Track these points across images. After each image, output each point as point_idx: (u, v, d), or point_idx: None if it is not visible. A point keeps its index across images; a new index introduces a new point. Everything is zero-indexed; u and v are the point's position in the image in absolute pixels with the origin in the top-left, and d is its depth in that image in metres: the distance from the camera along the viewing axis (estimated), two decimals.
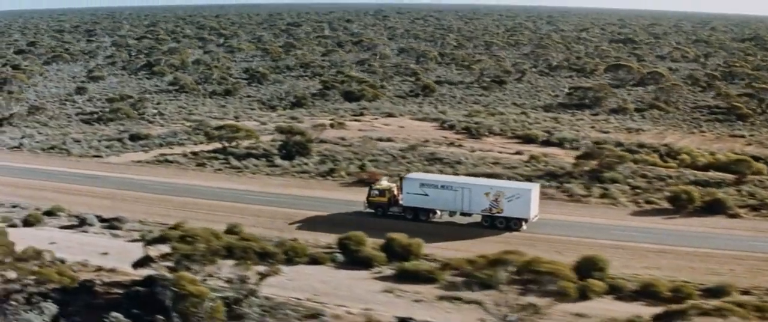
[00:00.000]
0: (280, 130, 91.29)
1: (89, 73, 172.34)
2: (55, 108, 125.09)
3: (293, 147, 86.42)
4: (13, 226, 61.79)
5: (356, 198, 68.99)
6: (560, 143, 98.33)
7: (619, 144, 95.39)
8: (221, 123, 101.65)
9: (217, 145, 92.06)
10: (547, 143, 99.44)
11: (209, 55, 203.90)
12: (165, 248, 46.84)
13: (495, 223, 60.74)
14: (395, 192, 64.81)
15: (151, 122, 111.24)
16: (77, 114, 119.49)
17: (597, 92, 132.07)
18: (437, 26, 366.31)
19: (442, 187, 61.80)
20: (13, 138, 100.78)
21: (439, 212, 63.64)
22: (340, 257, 53.70)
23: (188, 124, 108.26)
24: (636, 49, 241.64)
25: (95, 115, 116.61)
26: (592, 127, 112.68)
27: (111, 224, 63.31)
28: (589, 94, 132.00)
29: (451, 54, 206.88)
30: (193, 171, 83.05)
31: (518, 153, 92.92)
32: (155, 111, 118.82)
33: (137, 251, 48.16)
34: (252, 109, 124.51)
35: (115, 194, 73.83)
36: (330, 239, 56.82)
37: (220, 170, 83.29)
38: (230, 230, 53.46)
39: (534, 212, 61.53)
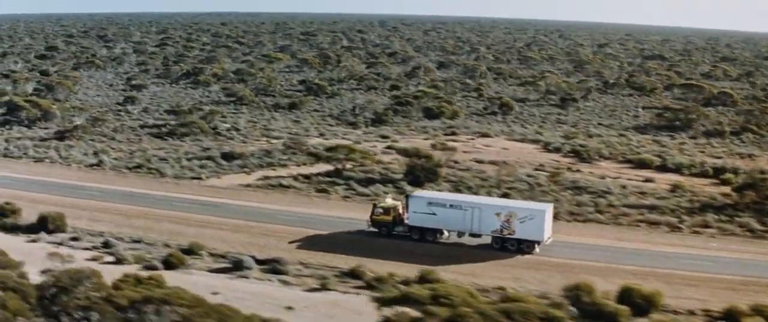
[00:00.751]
0: (404, 152, 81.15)
1: (128, 81, 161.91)
2: (113, 119, 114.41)
3: (421, 172, 76.83)
4: (153, 268, 51.75)
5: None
6: (677, 169, 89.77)
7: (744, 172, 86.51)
8: (329, 143, 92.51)
9: (324, 166, 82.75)
10: (662, 169, 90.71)
11: (245, 65, 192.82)
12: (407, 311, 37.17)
13: (506, 245, 57.42)
14: (400, 211, 61.26)
15: (229, 138, 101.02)
16: (140, 126, 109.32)
17: (688, 114, 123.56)
18: (452, 38, 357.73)
19: (451, 206, 58.59)
20: (85, 154, 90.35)
21: (446, 233, 60.08)
22: (573, 310, 44.06)
23: (273, 141, 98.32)
24: (673, 66, 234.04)
25: (163, 129, 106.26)
26: (702, 151, 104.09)
27: (272, 267, 53.11)
28: (680, 116, 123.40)
29: (496, 68, 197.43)
30: (317, 198, 72.95)
31: (648, 180, 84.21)
32: (228, 125, 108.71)
33: (328, 307, 41.01)
34: (330, 125, 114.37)
35: (247, 227, 63.53)
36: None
37: (347, 197, 73.56)
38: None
39: (547, 233, 57.82)
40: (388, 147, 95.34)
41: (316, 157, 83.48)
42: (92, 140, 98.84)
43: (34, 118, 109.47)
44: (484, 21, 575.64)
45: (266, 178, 79.54)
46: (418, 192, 64.76)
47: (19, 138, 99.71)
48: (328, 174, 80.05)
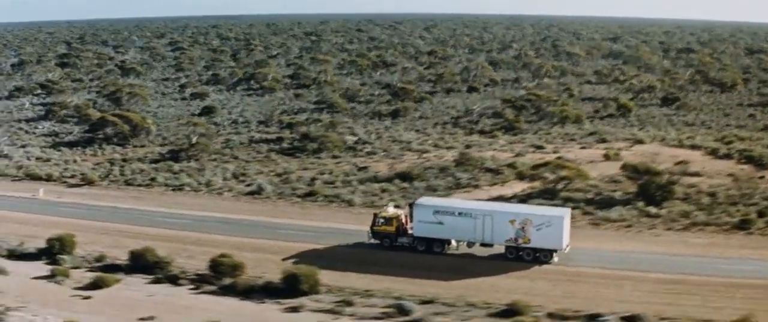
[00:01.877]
0: (633, 169, 68.48)
1: (182, 89, 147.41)
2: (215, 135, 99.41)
3: (656, 191, 64.75)
4: None
5: None
6: None
7: None
8: (537, 159, 79.12)
9: (519, 185, 70.36)
10: None
11: (292, 68, 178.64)
12: None
13: (521, 255, 52.62)
14: (404, 220, 56.08)
15: (371, 154, 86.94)
16: (253, 141, 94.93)
17: None
18: (465, 34, 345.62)
19: (460, 214, 53.80)
20: (225, 178, 76.14)
21: (454, 243, 54.87)
22: None
23: (427, 154, 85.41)
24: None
25: (283, 144, 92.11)
26: None
27: None
28: None
29: (558, 66, 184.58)
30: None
31: None
32: (355, 137, 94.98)
33: None
34: (452, 135, 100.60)
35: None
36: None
37: (596, 223, 60.58)
38: None
39: (566, 241, 52.85)
40: (557, 158, 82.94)
41: (520, 176, 71.00)
42: (213, 160, 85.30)
43: (124, 134, 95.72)
44: (467, 18, 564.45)
45: None
46: (423, 199, 58.66)
47: (125, 160, 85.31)
48: (540, 195, 67.46)
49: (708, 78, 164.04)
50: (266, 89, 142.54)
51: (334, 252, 54.90)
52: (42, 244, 55.03)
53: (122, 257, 52.36)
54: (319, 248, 55.54)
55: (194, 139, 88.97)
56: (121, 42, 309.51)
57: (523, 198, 67.46)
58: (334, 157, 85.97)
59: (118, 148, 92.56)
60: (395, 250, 54.88)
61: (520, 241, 52.31)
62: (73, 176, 78.38)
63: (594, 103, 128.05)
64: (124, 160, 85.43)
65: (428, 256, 54.02)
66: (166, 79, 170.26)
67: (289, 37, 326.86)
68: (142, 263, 49.87)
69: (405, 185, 71.55)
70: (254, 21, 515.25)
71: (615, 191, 69.88)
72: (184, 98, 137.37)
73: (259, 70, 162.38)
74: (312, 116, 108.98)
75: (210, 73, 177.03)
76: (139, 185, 74.51)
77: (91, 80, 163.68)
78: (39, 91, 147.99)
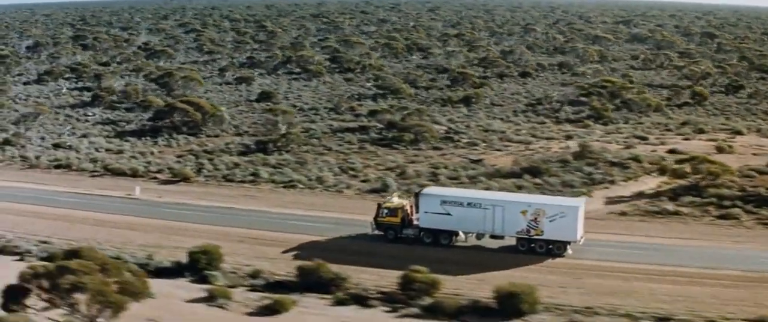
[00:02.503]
0: None
1: (221, 73, 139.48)
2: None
3: None
4: None
5: None
6: None
7: None
8: (650, 151, 73.66)
9: (653, 181, 64.39)
10: None
11: (327, 51, 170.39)
12: None
13: (534, 247, 49.91)
14: (409, 211, 52.89)
15: (471, 145, 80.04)
16: (335, 130, 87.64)
17: None
18: (473, 17, 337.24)
19: (469, 204, 50.94)
20: (335, 173, 68.99)
21: (462, 235, 52.02)
22: None
23: (530, 146, 79.20)
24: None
25: (372, 133, 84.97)
26: None
27: None
28: None
29: (597, 52, 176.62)
30: (722, 228, 54.31)
31: None
32: (444, 127, 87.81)
33: None
34: (541, 124, 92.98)
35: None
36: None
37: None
38: None
39: (580, 232, 50.11)
40: (671, 151, 77.22)
41: (662, 171, 64.80)
42: (306, 152, 78.24)
43: (195, 123, 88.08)
44: (465, 1, 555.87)
45: (614, 200, 60.60)
46: (430, 189, 55.67)
47: (208, 152, 77.45)
48: (683, 192, 61.07)
49: (755, 64, 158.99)
50: (312, 73, 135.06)
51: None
52: (173, 255, 48.13)
53: (280, 272, 45.63)
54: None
55: (283, 129, 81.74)
56: (126, 24, 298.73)
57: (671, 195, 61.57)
58: (435, 148, 79.33)
59: (191, 139, 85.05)
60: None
61: (533, 232, 49.70)
62: (159, 171, 70.98)
63: (656, 91, 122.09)
64: (208, 152, 77.90)
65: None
66: (195, 62, 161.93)
67: (297, 19, 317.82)
68: (314, 280, 43.09)
69: (537, 180, 64.77)
70: (251, 3, 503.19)
71: (755, 186, 63.95)
72: (227, 83, 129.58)
73: (298, 53, 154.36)
74: (380, 104, 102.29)
75: (242, 56, 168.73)
76: (242, 182, 67.02)
77: (119, 63, 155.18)
78: (68, 74, 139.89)
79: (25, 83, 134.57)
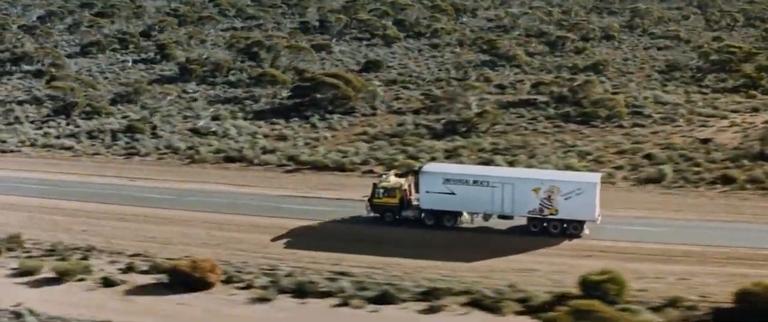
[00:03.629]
0: None
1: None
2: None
3: None
4: None
5: None
6: None
7: None
8: None
9: None
10: None
11: (377, 14, 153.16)
12: None
13: (547, 227, 45.73)
14: (408, 191, 48.54)
15: (669, 120, 69.64)
16: (503, 107, 75.06)
17: None
18: None
19: (475, 182, 46.63)
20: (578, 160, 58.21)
21: (466, 215, 47.56)
22: None
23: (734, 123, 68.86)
24: None
25: (550, 109, 73.69)
26: None
27: None
28: None
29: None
30: None
31: None
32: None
33: None
34: (704, 95, 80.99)
35: None
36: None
37: None
38: None
39: (598, 211, 45.82)
40: None
41: None
42: (502, 133, 66.89)
43: (346, 100, 75.06)
44: None
45: None
46: (431, 166, 51.08)
47: (397, 136, 65.71)
48: None
49: None
50: (388, 39, 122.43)
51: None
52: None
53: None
54: None
55: (474, 107, 70.29)
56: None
57: None
58: (637, 125, 69.27)
59: (348, 119, 73.16)
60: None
61: (547, 212, 45.48)
62: (364, 163, 58.97)
63: None
64: (390, 135, 65.66)
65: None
66: (237, 29, 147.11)
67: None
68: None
69: None
70: None
71: None
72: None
73: (353, 16, 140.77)
74: (504, 72, 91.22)
75: (290, 19, 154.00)
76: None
77: (161, 31, 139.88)
78: (115, 45, 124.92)
79: (67, 56, 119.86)
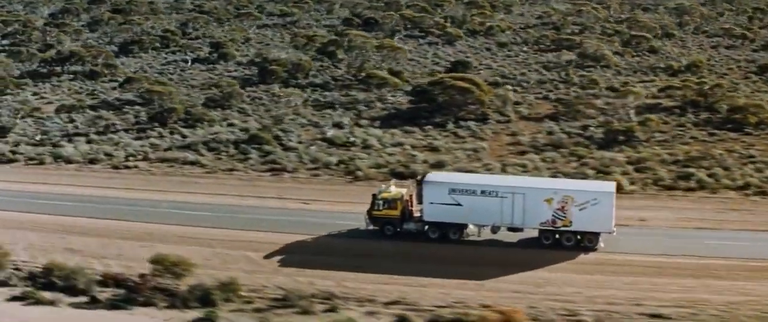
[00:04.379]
0: None
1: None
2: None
3: None
4: None
5: None
6: None
7: None
8: None
9: None
10: None
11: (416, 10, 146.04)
12: None
13: (560, 240, 42.78)
14: (409, 202, 45.26)
15: None
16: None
17: None
18: None
19: (483, 192, 43.52)
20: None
21: (472, 228, 44.31)
22: None
23: None
24: None
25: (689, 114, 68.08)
26: None
27: None
28: None
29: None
30: None
31: None
32: None
33: None
34: None
35: None
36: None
37: None
38: None
39: (613, 222, 43.00)
40: None
41: None
42: (663, 141, 60.98)
43: (470, 105, 68.03)
44: None
45: None
46: (435, 175, 47.55)
47: (561, 147, 59.21)
48: None
49: None
50: (449, 37, 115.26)
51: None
52: None
53: None
54: None
55: (632, 114, 64.28)
56: None
57: None
58: None
59: (481, 126, 66.13)
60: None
61: (560, 223, 42.49)
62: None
63: None
64: (557, 145, 59.45)
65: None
66: (269, 26, 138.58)
67: None
68: None
69: None
70: None
71: None
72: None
73: (399, 12, 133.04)
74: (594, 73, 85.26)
75: (323, 16, 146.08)
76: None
77: (196, 30, 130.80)
78: (157, 44, 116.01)
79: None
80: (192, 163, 58.66)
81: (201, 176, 56.31)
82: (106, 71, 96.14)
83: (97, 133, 68.67)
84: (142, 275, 38.03)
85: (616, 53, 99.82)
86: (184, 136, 65.47)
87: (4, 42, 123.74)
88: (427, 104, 70.20)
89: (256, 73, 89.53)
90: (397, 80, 77.35)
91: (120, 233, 45.31)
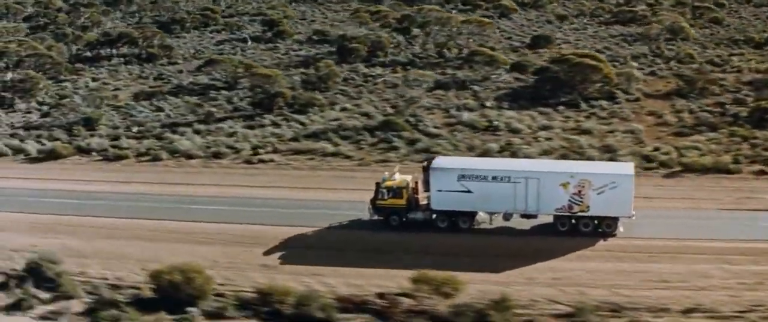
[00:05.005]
0: None
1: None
2: None
3: None
4: None
5: None
6: None
7: None
8: None
9: None
10: None
11: None
12: None
13: (577, 226, 39.91)
14: (415, 190, 42.31)
15: None
16: None
17: None
18: None
19: (495, 178, 40.23)
20: None
21: (481, 215, 41.37)
22: None
23: None
24: None
25: None
26: None
27: None
28: None
29: None
30: None
31: None
32: None
33: None
34: None
35: None
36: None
37: None
38: None
39: (633, 205, 40.00)
40: None
41: None
42: None
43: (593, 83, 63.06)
44: None
45: None
46: (442, 160, 43.66)
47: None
48: None
49: None
50: (502, 9, 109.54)
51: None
52: None
53: None
54: None
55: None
56: None
57: None
58: None
59: (613, 105, 62.01)
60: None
61: (577, 209, 39.56)
62: None
63: None
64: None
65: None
66: (298, 1, 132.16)
67: None
68: None
69: None
70: None
71: None
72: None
73: None
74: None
75: None
76: None
77: (229, 6, 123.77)
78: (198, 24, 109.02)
79: None
80: (332, 154, 53.73)
81: (353, 168, 51.34)
82: (162, 53, 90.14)
83: (199, 122, 63.34)
84: (381, 295, 33.44)
85: (693, 27, 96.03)
86: (302, 124, 60.41)
87: (24, 25, 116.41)
88: (547, 83, 65.82)
89: (327, 52, 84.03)
90: (504, 58, 72.67)
91: (341, 243, 40.02)
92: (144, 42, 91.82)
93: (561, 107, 61.40)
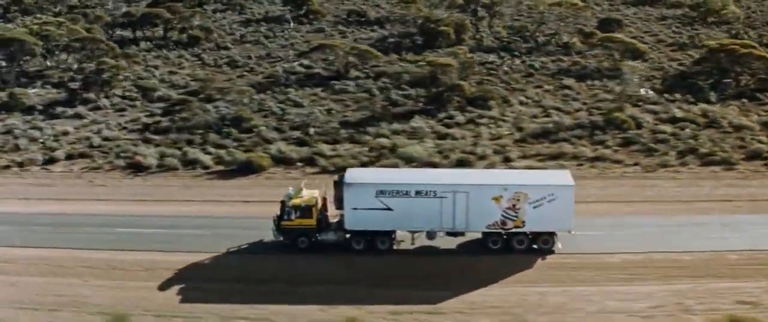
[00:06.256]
0: None
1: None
2: None
3: None
4: None
5: None
6: None
7: None
8: None
9: None
10: None
11: None
12: None
13: (511, 242, 36.23)
14: (324, 207, 37.84)
15: None
16: None
17: None
18: None
19: (418, 193, 35.94)
20: None
21: (401, 233, 37.08)
22: None
23: None
24: None
25: None
26: None
27: None
28: None
29: None
30: None
31: None
32: None
33: None
34: None
35: None
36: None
37: None
38: None
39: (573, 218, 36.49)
40: None
41: None
42: None
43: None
44: None
45: None
46: (355, 173, 38.21)
47: None
48: None
49: None
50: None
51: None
52: None
53: None
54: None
55: None
56: None
57: None
58: None
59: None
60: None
61: (511, 224, 35.73)
62: None
63: None
64: None
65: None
66: None
67: None
68: None
69: None
70: None
71: None
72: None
73: None
74: None
75: None
76: None
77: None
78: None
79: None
80: (618, 161, 47.56)
81: (637, 176, 45.83)
82: (203, 36, 77.44)
83: (377, 120, 53.89)
84: None
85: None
86: (503, 121, 53.22)
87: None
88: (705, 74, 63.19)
89: (407, 37, 75.99)
90: (642, 45, 68.88)
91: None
92: (178, 23, 78.39)
93: (742, 101, 58.61)
